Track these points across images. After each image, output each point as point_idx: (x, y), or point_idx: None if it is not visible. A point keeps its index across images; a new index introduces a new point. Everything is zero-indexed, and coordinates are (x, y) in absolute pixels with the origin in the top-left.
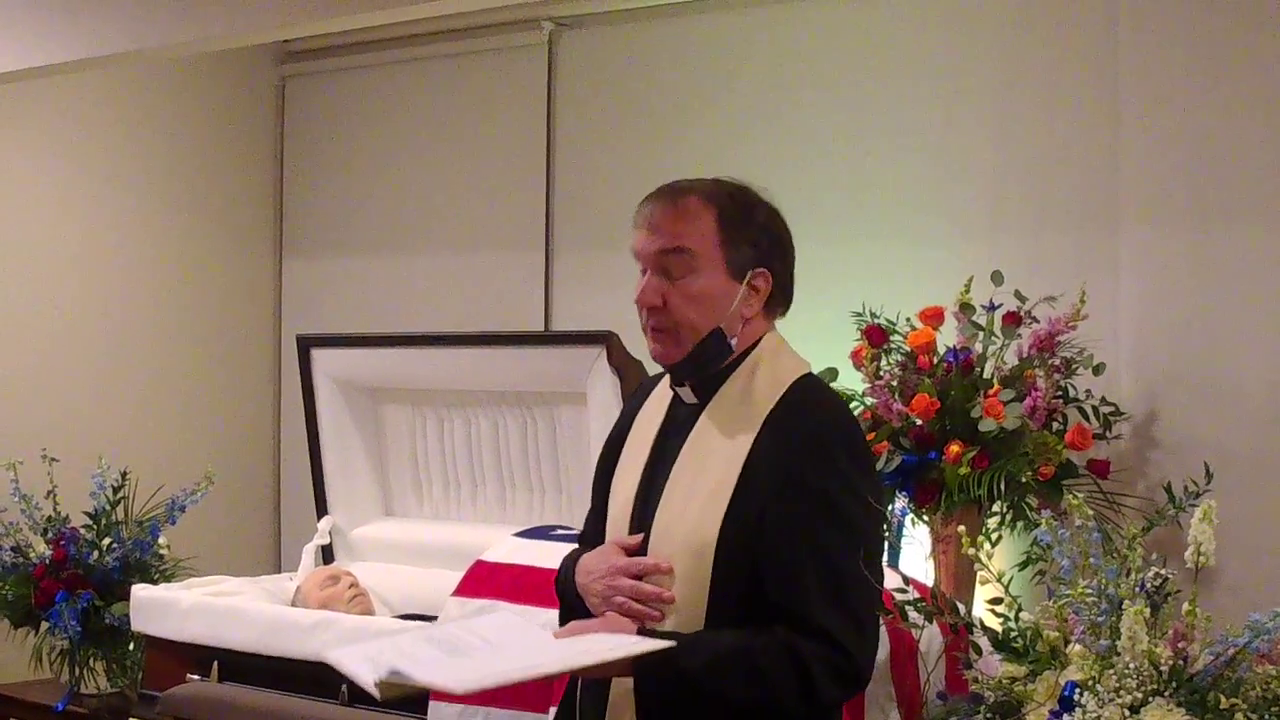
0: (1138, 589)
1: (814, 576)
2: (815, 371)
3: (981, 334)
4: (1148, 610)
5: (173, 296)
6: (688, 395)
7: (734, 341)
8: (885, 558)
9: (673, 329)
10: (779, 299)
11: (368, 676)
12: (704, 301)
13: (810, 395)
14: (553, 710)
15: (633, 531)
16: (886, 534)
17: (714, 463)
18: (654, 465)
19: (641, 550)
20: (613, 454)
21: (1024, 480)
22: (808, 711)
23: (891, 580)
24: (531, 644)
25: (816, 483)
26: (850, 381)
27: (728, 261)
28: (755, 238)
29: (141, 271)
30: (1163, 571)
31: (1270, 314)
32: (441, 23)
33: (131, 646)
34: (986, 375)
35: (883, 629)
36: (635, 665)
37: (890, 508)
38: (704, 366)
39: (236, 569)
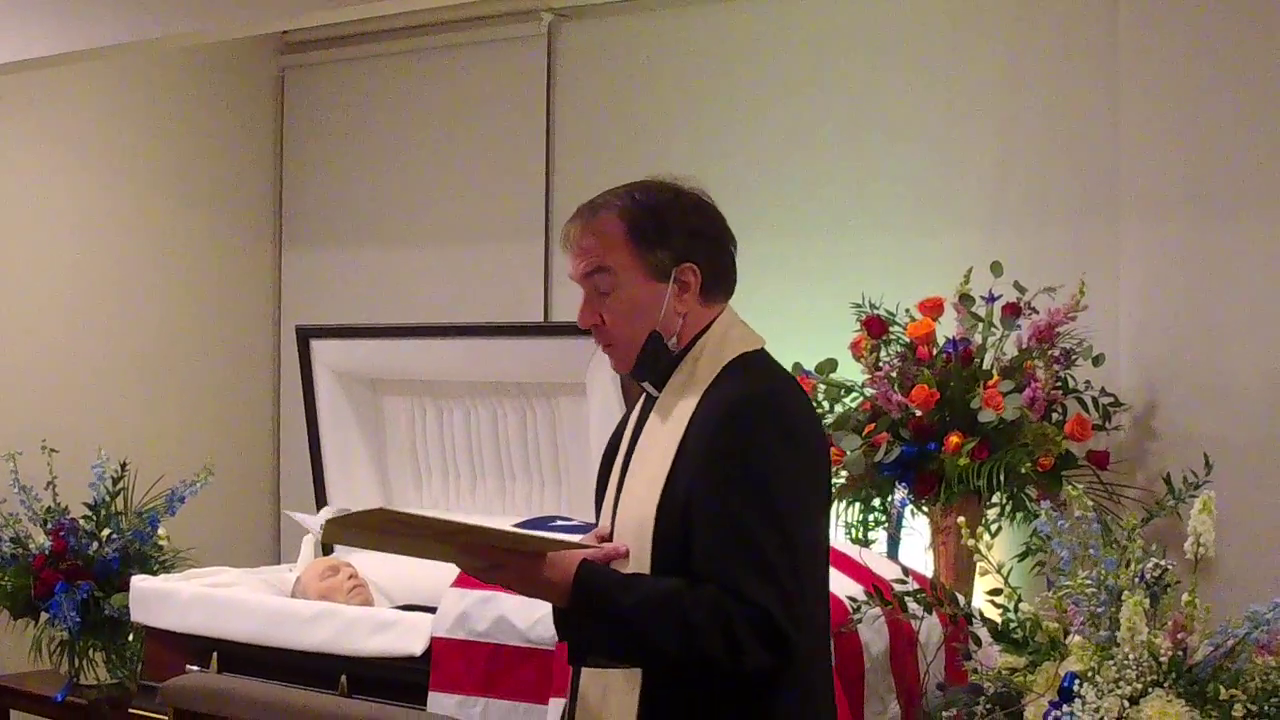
0: (1137, 580)
1: (732, 547)
2: (814, 360)
3: (981, 325)
4: (1147, 601)
5: (172, 287)
6: (651, 389)
7: (673, 341)
8: (829, 526)
9: (615, 343)
10: (716, 284)
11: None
12: (634, 312)
13: (742, 367)
14: (553, 701)
15: (612, 523)
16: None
17: (658, 445)
18: (628, 459)
19: (611, 538)
20: (610, 455)
21: (1023, 471)
22: (735, 672)
23: (891, 571)
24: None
25: (735, 451)
26: (850, 372)
27: (646, 268)
28: (670, 237)
29: (141, 263)
30: (1162, 562)
31: (1269, 306)
32: (441, 14)
33: (131, 637)
34: (986, 366)
35: (881, 620)
36: (571, 595)
37: (891, 498)
38: (653, 368)
39: (236, 560)
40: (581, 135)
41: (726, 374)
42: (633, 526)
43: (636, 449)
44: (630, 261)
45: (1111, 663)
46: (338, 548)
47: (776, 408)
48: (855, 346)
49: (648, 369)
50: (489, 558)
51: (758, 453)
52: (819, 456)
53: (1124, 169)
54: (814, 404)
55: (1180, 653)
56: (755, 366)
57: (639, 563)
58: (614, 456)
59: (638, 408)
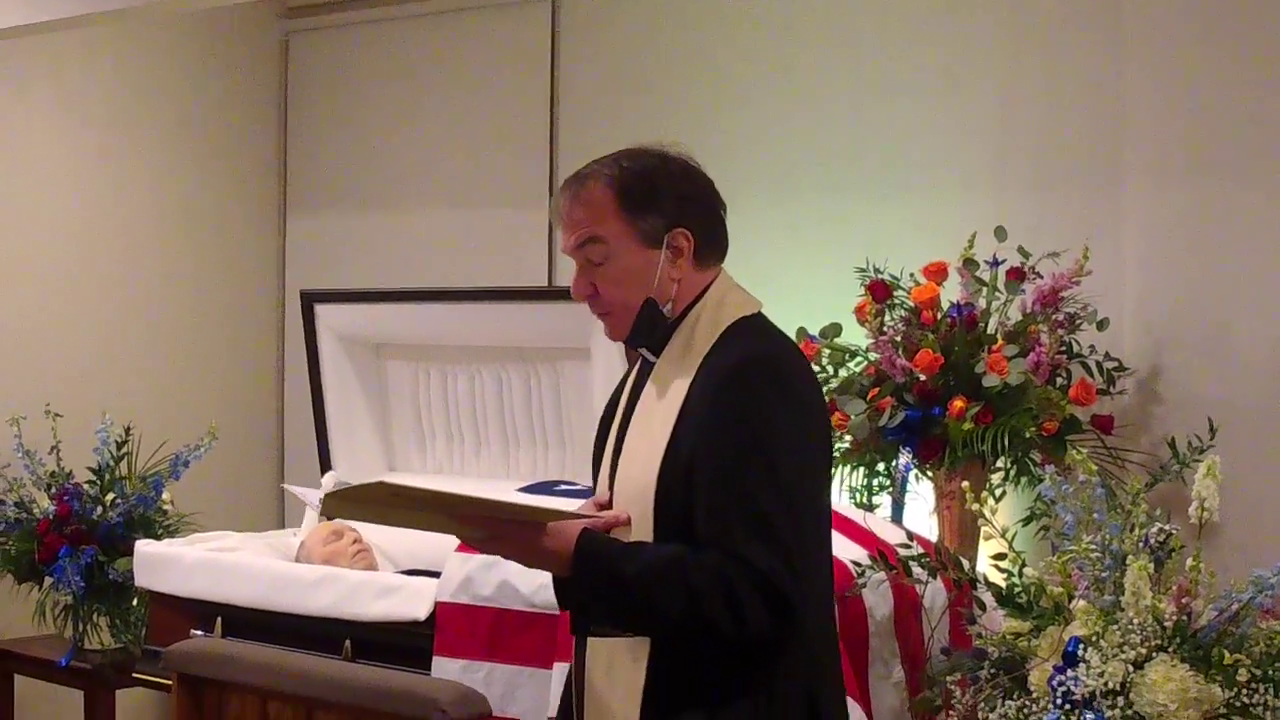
0: (1141, 544)
1: (735, 511)
2: (818, 325)
3: (985, 289)
4: (1151, 566)
5: (176, 252)
6: (648, 355)
7: (669, 306)
8: (831, 491)
9: (611, 312)
10: (709, 249)
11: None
12: (628, 279)
13: (741, 332)
14: (558, 665)
15: (610, 490)
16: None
17: (657, 412)
18: (624, 424)
19: (611, 505)
20: (607, 421)
21: (1028, 436)
22: (739, 637)
23: (895, 536)
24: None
25: (736, 415)
26: (854, 337)
27: (638, 234)
28: (661, 203)
29: (145, 227)
30: (1166, 527)
31: (1274, 270)
32: None
33: (135, 602)
34: (990, 331)
35: (885, 585)
36: (573, 564)
37: (895, 463)
38: (649, 334)
39: (240, 524)
40: (586, 99)
41: (726, 338)
42: (634, 493)
43: (635, 415)
44: (621, 229)
45: (1116, 627)
46: None
47: (777, 371)
48: (859, 311)
49: (644, 335)
50: (489, 529)
51: (759, 416)
52: (820, 419)
53: (1128, 133)
54: (816, 368)
55: (1184, 617)
56: (754, 330)
57: (641, 530)
58: (610, 423)
59: (633, 374)
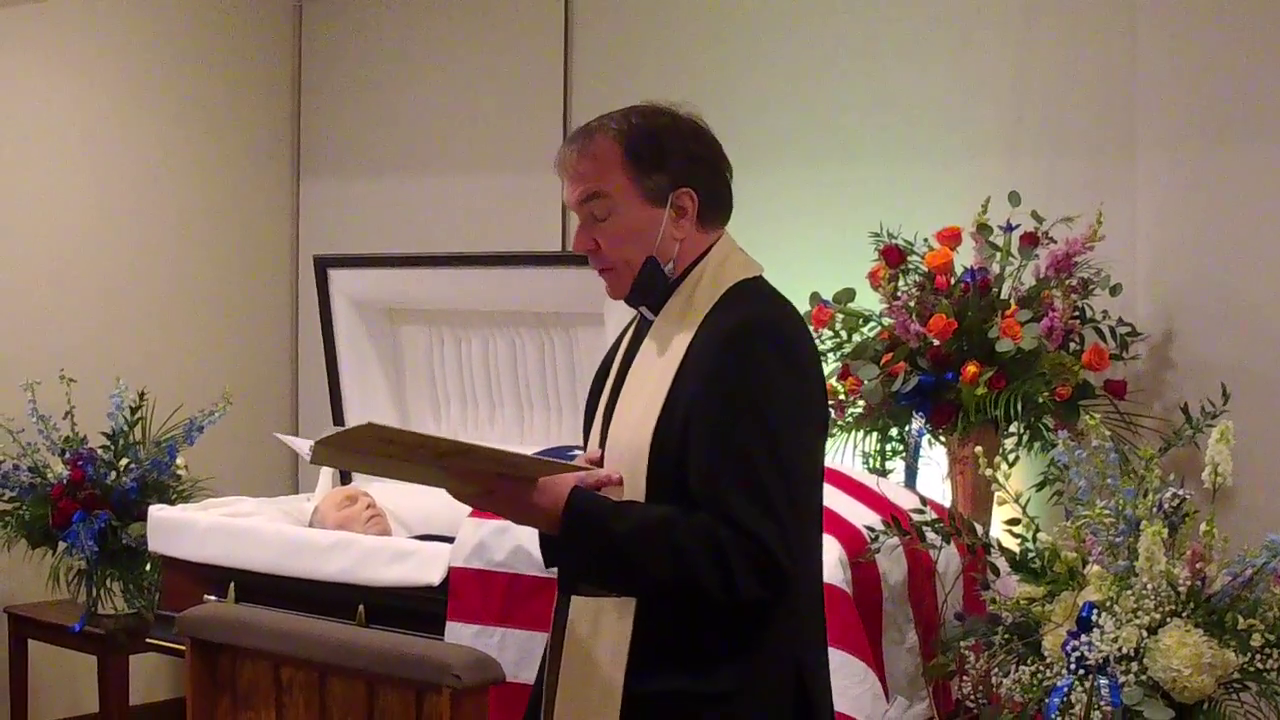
0: (1155, 510)
1: (730, 474)
2: (832, 289)
3: (999, 254)
4: (1165, 531)
5: (191, 218)
6: (647, 313)
7: (670, 266)
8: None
9: (613, 267)
10: (713, 210)
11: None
12: (630, 237)
13: (743, 294)
14: None
15: (601, 447)
16: (829, 430)
17: (654, 370)
18: (619, 382)
19: (601, 463)
20: (601, 380)
21: (1041, 401)
22: (728, 601)
23: (909, 501)
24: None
25: (734, 377)
26: (868, 302)
27: (643, 192)
28: (668, 161)
29: (159, 193)
30: (1180, 492)
31: None
32: None
33: (149, 567)
34: (1004, 296)
35: (899, 550)
36: (562, 522)
37: (909, 428)
38: (649, 293)
39: (254, 490)
40: (599, 64)
41: (727, 300)
42: (627, 450)
43: (630, 373)
44: (626, 185)
45: (1129, 592)
46: (356, 477)
47: (778, 334)
48: (873, 276)
49: (644, 294)
50: (480, 483)
51: (757, 379)
52: (817, 384)
53: (1141, 98)
54: (830, 332)
55: (1198, 582)
56: (754, 293)
57: (633, 489)
58: (604, 380)
59: (629, 332)
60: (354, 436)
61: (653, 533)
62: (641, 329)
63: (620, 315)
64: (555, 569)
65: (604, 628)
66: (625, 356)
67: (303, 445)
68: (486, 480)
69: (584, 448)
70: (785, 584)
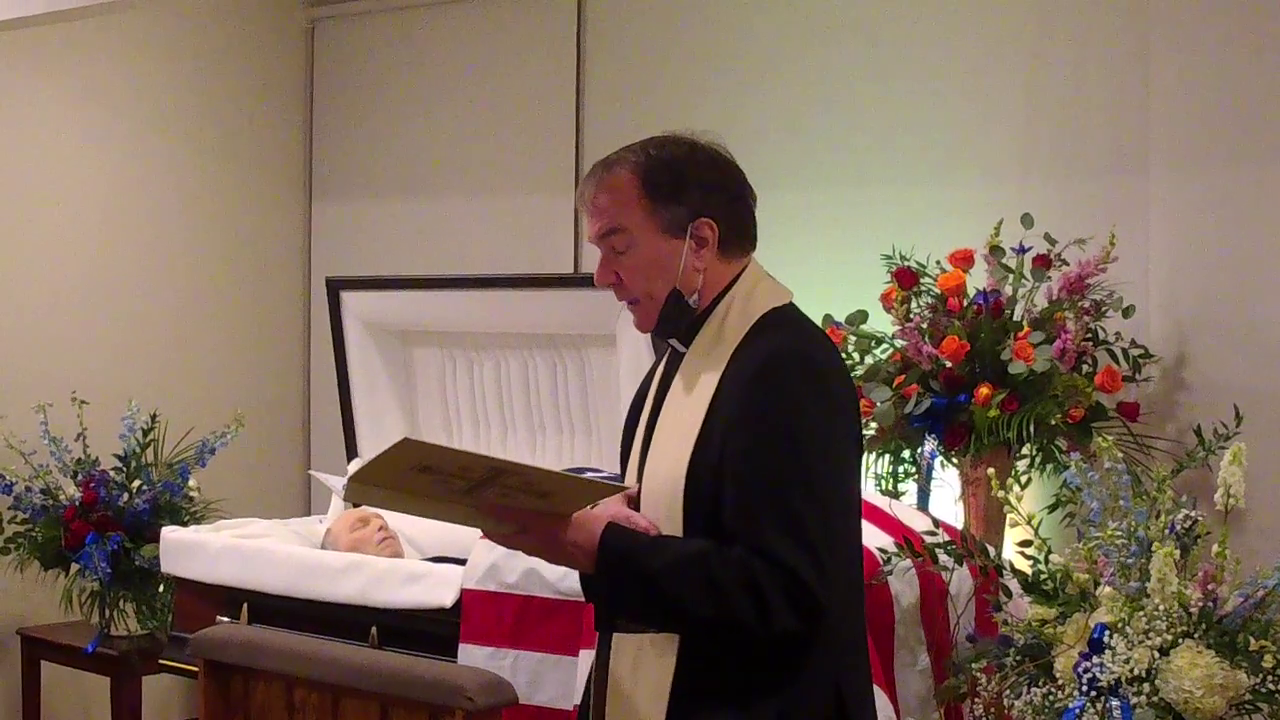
0: (1167, 531)
1: (766, 506)
2: (844, 312)
3: (1011, 276)
4: (1177, 552)
5: (202, 239)
6: (678, 345)
7: (695, 297)
8: (859, 484)
9: (637, 301)
10: (735, 239)
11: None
12: (651, 269)
13: (773, 324)
14: (583, 653)
15: (639, 480)
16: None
17: (688, 404)
18: (654, 416)
19: (639, 497)
20: (636, 412)
21: (1053, 423)
22: (765, 635)
23: (921, 523)
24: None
25: (767, 410)
26: (880, 324)
27: (661, 224)
28: (685, 192)
29: (171, 214)
30: (1192, 514)
31: None
32: None
33: (161, 589)
34: (1016, 318)
35: (911, 572)
36: (597, 560)
37: (921, 450)
38: (677, 325)
39: (266, 511)
40: (611, 86)
41: (757, 330)
42: (663, 486)
43: (664, 408)
44: (644, 218)
45: (1142, 614)
46: None
47: (809, 364)
48: (886, 298)
49: (671, 326)
50: (514, 521)
51: (791, 410)
52: (851, 413)
53: (1154, 120)
54: (842, 354)
55: (1210, 604)
56: (786, 322)
57: (670, 523)
58: (639, 414)
59: (662, 365)
60: (390, 458)
61: (687, 568)
62: (674, 360)
63: (634, 338)
64: (591, 602)
65: (645, 664)
66: (660, 388)
67: (337, 483)
68: (521, 517)
69: (604, 470)
70: (821, 615)
